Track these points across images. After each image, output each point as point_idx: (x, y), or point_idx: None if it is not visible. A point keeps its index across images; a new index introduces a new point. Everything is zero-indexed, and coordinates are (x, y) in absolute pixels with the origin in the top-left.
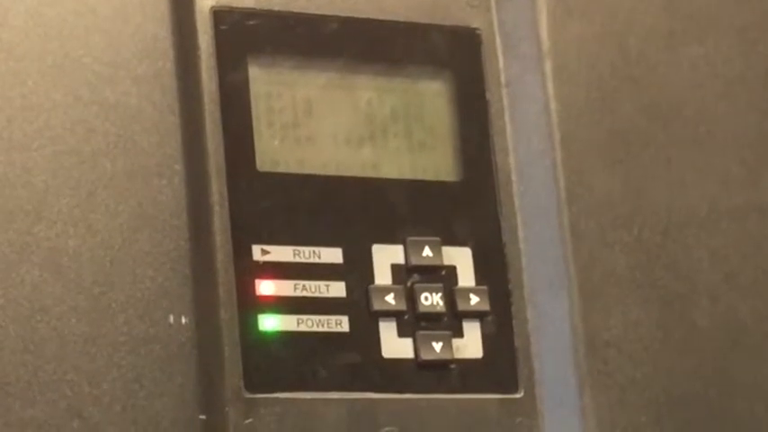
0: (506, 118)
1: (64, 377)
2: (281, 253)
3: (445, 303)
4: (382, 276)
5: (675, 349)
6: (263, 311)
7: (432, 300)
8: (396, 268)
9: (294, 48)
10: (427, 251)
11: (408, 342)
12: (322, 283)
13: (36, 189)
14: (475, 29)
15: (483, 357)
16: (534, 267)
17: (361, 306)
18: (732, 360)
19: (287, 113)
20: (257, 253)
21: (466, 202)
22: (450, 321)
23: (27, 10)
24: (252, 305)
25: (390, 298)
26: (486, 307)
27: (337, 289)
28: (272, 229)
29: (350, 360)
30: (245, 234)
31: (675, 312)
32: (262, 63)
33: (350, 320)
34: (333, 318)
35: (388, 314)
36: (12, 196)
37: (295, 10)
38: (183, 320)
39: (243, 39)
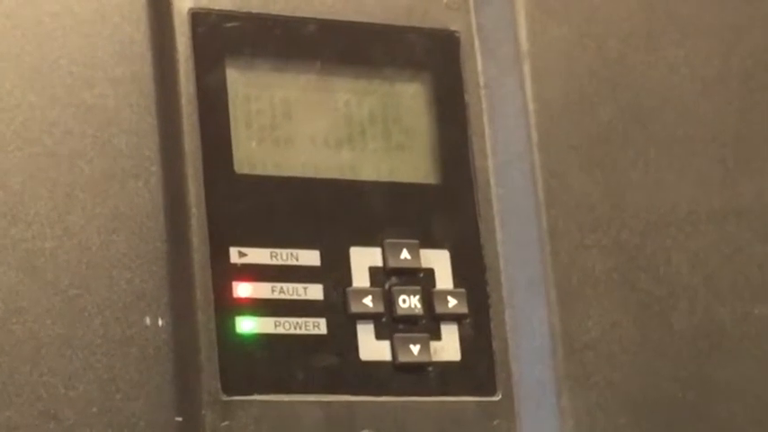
0: (485, 120)
1: (40, 379)
2: (259, 255)
3: (423, 306)
4: (360, 279)
5: (654, 351)
6: (241, 314)
7: (409, 302)
8: (373, 271)
9: (272, 50)
10: (405, 254)
11: (386, 344)
12: (299, 286)
13: (12, 191)
14: (453, 31)
15: (461, 360)
16: (512, 270)
17: (338, 308)
18: (711, 362)
19: (265, 115)
20: (234, 255)
21: (444, 205)
22: (428, 324)
23: (3, 11)
24: (229, 307)
25: (368, 300)
26: (463, 309)
27: (315, 291)
28: (250, 231)
29: (327, 362)
30: (222, 236)
31: (654, 315)
32: (239, 65)
33: (327, 323)
34: (310, 320)
35: (366, 317)
36: None
37: (273, 12)
38: (160, 322)
39: (221, 41)
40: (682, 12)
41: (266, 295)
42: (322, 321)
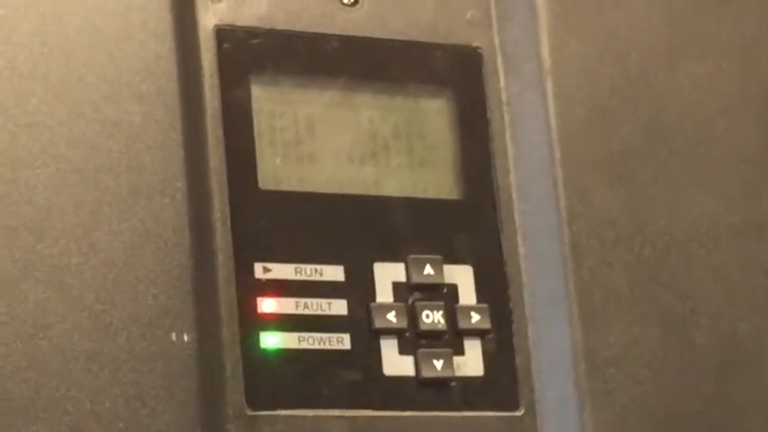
0: (507, 136)
1: (66, 394)
2: (283, 271)
3: (446, 321)
4: (384, 294)
5: (676, 367)
6: (265, 329)
7: (433, 317)
8: (397, 286)
9: (296, 66)
10: (428, 269)
11: (409, 360)
12: (324, 301)
13: (39, 206)
14: (476, 47)
15: (484, 375)
16: (535, 285)
17: (362, 324)
18: (732, 378)
19: (289, 131)
20: (259, 270)
21: (467, 221)
22: (452, 339)
23: (31, 28)
24: (253, 323)
25: (392, 316)
26: (486, 325)
27: (339, 307)
28: (274, 246)
29: (351, 378)
30: (246, 252)
31: (676, 330)
32: (264, 81)
33: (351, 338)
34: (334, 335)
35: (390, 332)
36: (15, 213)
37: (297, 29)
38: (186, 338)
39: (245, 57)
40: (703, 28)
41: (291, 310)
42: (346, 336)
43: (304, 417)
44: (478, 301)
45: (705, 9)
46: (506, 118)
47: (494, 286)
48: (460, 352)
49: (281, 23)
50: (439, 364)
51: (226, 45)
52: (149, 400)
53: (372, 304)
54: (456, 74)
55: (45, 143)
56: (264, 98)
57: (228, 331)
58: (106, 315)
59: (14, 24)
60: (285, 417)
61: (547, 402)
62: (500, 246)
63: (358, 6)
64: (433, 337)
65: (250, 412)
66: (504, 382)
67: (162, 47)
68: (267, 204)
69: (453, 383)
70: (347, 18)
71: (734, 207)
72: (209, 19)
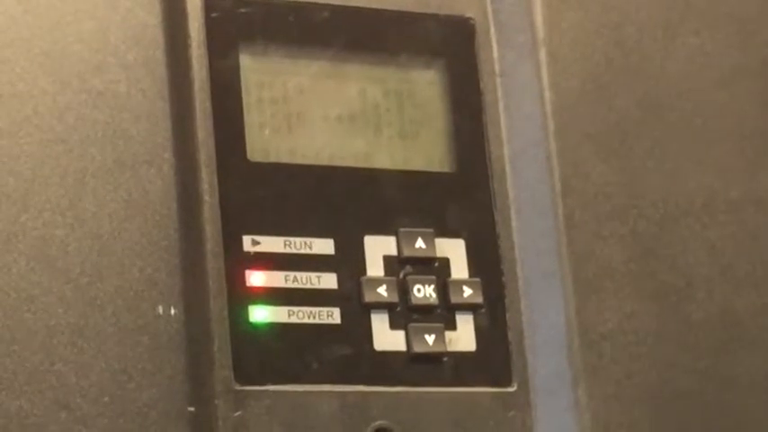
0: (500, 108)
1: (51, 368)
2: (272, 243)
3: (438, 295)
4: (374, 268)
5: (671, 343)
6: (254, 303)
7: (424, 292)
8: (388, 260)
9: (286, 36)
10: (420, 243)
11: (400, 334)
12: (313, 275)
13: (23, 177)
14: (469, 18)
15: (476, 350)
16: (528, 259)
17: (352, 298)
18: (728, 354)
19: (278, 102)
20: (248, 243)
21: (459, 193)
22: (443, 314)
23: None
24: (242, 296)
25: (382, 290)
26: (479, 299)
27: (329, 280)
28: (263, 219)
29: (341, 352)
30: (235, 224)
31: (671, 305)
32: (253, 51)
33: (341, 312)
34: (324, 309)
35: (381, 306)
36: None
37: None
38: (172, 311)
39: (234, 27)
40: (699, 0)
41: (280, 284)
42: (336, 311)
43: (293, 392)
44: (471, 275)
45: None
46: (499, 89)
47: (486, 260)
48: (452, 327)
49: None
50: (430, 339)
51: (214, 14)
52: (135, 374)
53: (363, 278)
54: (448, 45)
55: (29, 113)
56: (253, 68)
57: (216, 305)
58: (92, 288)
59: None
60: (274, 392)
61: (540, 378)
62: (493, 219)
63: None
64: (425, 311)
65: (238, 387)
66: (496, 358)
67: (149, 15)
68: (256, 176)
69: (445, 359)
70: None
71: (730, 181)
72: None
